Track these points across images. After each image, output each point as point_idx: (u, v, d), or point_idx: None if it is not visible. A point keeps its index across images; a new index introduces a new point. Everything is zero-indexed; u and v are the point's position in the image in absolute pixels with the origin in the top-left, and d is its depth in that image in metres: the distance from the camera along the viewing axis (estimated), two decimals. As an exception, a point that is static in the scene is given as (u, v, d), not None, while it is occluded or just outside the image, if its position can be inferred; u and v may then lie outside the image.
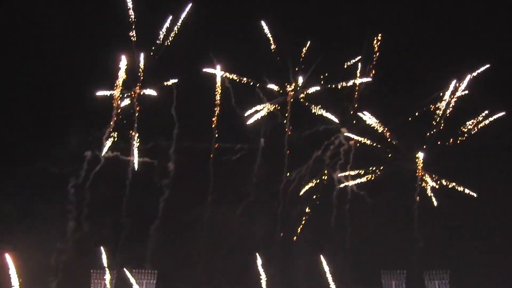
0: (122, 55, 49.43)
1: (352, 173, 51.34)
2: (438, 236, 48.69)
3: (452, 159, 49.37)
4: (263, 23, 51.08)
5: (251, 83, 51.53)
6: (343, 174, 51.48)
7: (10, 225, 46.28)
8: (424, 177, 50.11)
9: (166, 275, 49.38)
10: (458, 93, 50.63)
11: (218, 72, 50.90)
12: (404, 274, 48.38)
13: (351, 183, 51.21)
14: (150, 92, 50.83)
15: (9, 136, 48.40)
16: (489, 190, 47.76)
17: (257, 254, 49.14)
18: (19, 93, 49.59)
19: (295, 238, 50.88)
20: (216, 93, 51.00)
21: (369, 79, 51.70)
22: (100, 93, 49.95)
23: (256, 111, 51.31)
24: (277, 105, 51.93)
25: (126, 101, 50.96)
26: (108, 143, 50.11)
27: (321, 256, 49.09)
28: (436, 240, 48.59)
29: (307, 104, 51.77)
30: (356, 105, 51.85)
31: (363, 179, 50.95)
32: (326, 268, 48.85)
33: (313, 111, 51.59)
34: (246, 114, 51.02)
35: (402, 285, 48.22)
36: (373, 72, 51.52)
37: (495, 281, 45.88)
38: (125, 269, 49.04)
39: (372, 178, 50.48)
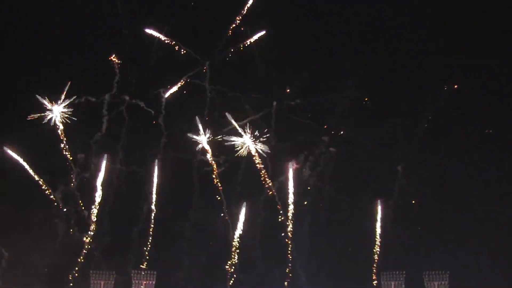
0: (114, 63, 49.97)
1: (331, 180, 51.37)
2: (438, 237, 48.14)
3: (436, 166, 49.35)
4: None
5: (237, 94, 51.05)
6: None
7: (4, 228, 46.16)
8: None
9: (165, 275, 49.62)
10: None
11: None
12: (403, 275, 48.14)
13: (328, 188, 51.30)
14: (139, 102, 50.43)
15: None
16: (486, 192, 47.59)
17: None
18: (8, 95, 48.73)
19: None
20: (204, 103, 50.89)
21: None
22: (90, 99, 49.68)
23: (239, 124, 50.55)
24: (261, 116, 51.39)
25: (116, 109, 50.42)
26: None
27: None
28: (436, 240, 48.00)
29: (290, 114, 51.31)
30: (339, 116, 51.81)
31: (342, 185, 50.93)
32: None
33: (296, 122, 51.05)
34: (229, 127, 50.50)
35: (401, 285, 47.88)
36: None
37: (495, 283, 45.40)
38: (124, 270, 49.38)
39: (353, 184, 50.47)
